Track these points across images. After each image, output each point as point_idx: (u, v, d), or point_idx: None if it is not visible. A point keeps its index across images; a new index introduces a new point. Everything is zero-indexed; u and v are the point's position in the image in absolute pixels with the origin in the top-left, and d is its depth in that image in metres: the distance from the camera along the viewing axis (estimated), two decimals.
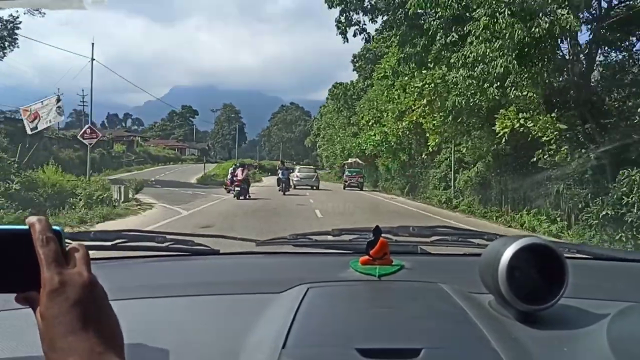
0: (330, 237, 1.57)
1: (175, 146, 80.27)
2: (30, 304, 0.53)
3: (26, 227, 0.53)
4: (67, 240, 0.57)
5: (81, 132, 18.24)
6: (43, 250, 0.52)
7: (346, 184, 32.67)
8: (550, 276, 0.89)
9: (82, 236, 1.51)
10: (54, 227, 0.54)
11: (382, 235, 1.18)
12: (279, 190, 23.56)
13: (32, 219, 0.54)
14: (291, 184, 26.07)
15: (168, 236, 1.48)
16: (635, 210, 8.87)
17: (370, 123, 30.58)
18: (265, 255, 1.50)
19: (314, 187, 28.89)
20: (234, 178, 19.78)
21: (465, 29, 11.71)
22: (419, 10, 13.01)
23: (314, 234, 1.60)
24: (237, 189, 19.12)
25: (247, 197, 19.12)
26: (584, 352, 0.82)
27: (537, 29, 10.05)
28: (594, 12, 12.36)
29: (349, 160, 36.35)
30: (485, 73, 10.77)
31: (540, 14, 10.18)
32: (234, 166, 21.26)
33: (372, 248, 1.17)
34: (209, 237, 1.64)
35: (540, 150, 11.58)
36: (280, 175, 24.67)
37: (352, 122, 43.15)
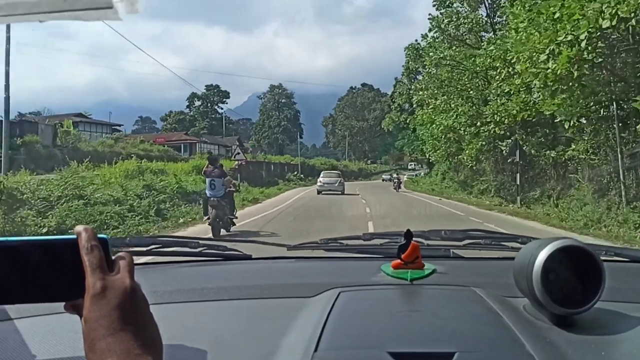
0: (361, 242, 1.53)
1: (176, 142, 50.55)
2: (78, 312, 0.55)
3: (74, 236, 0.55)
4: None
5: None
6: (88, 258, 0.54)
7: None
8: (586, 279, 0.86)
9: (117, 242, 1.52)
10: (100, 235, 0.56)
11: (414, 239, 1.17)
12: (206, 221, 9.88)
13: (79, 228, 0.56)
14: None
15: (201, 241, 1.49)
16: None
17: None
18: (297, 259, 1.49)
19: (339, 192, 26.87)
20: None
21: None
22: None
23: (345, 238, 1.58)
24: None
25: None
26: (621, 357, 0.80)
27: None
28: None
29: None
30: None
31: None
32: None
33: (404, 252, 1.15)
34: (241, 242, 1.66)
35: None
36: (208, 190, 9.93)
37: None
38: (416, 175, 55.38)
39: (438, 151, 26.17)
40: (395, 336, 0.83)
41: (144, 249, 1.41)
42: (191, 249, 1.43)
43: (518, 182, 18.40)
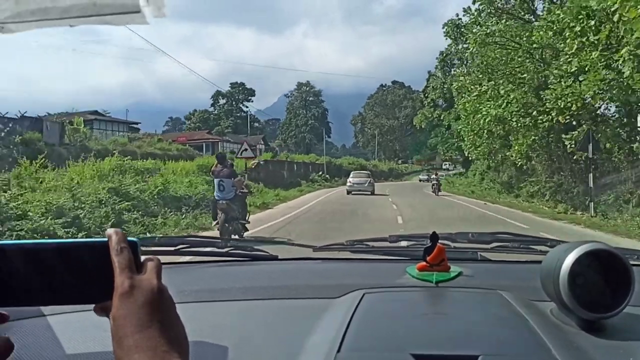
0: (387, 244, 1.54)
1: (198, 141, 48.55)
2: (106, 313, 0.56)
3: (105, 239, 0.58)
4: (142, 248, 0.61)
5: None
6: (117, 259, 0.56)
7: None
8: (615, 283, 0.85)
9: (146, 242, 1.58)
10: (130, 238, 0.58)
11: (440, 241, 1.16)
12: (215, 226, 8.69)
13: (110, 231, 0.58)
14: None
15: (229, 242, 1.56)
16: None
17: None
18: (323, 261, 1.49)
19: (369, 192, 26.51)
20: None
21: None
22: None
23: (371, 240, 1.58)
24: None
25: None
26: None
27: None
28: None
29: None
30: None
31: None
32: None
33: (430, 254, 1.14)
34: (268, 243, 1.65)
35: None
36: (216, 192, 8.76)
37: None
38: (446, 175, 49.67)
39: (480, 147, 22.53)
40: (418, 338, 0.84)
41: (172, 248, 1.45)
42: (218, 249, 1.48)
43: (591, 184, 14.60)
